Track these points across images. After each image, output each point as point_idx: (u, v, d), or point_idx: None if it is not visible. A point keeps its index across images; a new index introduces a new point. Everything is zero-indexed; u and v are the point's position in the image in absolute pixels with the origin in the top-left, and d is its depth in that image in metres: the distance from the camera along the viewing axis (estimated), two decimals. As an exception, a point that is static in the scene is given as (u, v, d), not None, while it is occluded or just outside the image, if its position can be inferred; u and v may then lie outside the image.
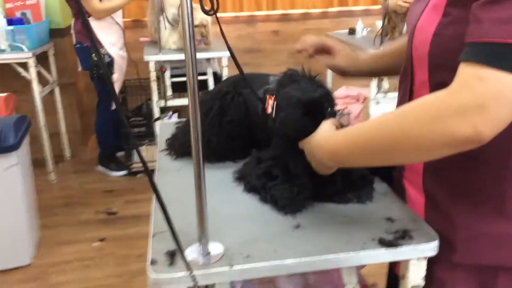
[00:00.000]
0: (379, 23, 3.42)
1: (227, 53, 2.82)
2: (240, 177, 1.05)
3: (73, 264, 2.31)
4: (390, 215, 0.87)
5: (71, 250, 2.42)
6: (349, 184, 0.92)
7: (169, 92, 2.80)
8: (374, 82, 2.75)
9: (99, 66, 2.89)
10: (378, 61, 1.10)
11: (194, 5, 2.68)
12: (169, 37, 2.87)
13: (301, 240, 0.81)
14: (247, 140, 1.19)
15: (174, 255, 0.78)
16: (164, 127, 1.46)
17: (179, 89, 3.00)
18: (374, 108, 2.76)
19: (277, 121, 0.91)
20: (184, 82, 3.01)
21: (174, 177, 1.09)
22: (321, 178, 0.92)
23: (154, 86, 2.76)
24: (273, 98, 0.95)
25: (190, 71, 0.72)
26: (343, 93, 3.29)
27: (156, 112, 2.80)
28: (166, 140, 1.29)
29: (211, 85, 2.86)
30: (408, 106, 0.69)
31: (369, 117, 2.75)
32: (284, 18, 4.22)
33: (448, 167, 0.78)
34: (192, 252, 0.79)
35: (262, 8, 4.13)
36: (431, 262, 0.80)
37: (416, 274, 0.80)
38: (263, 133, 1.14)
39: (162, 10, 2.77)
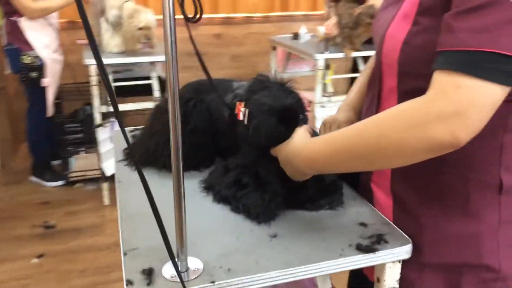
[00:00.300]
0: (321, 28, 3.51)
1: (163, 57, 2.77)
2: (208, 187, 1.02)
3: (9, 284, 2.14)
4: (362, 220, 0.89)
5: (6, 269, 2.25)
6: (321, 190, 0.93)
7: (111, 97, 2.69)
8: (319, 86, 2.81)
9: (29, 69, 2.72)
10: (362, 100, 1.08)
11: (137, 6, 2.61)
12: (111, 40, 2.75)
13: (280, 250, 0.80)
14: (211, 148, 1.17)
15: (151, 273, 0.74)
16: (118, 136, 1.40)
17: (121, 93, 2.89)
18: (320, 112, 2.82)
19: (250, 128, 0.90)
20: (127, 87, 2.89)
21: (137, 189, 1.04)
22: (293, 185, 0.92)
23: (95, 91, 2.63)
24: (243, 104, 0.93)
25: (171, 77, 0.68)
26: (287, 97, 3.34)
27: (98, 118, 2.68)
28: (124, 150, 1.23)
29: (156, 89, 2.78)
30: (388, 113, 0.71)
31: (315, 120, 2.81)
32: (227, 21, 4.21)
33: (416, 170, 0.79)
34: (169, 270, 0.75)
35: (204, 11, 4.07)
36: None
37: (391, 277, 0.82)
38: (228, 140, 1.13)
39: (102, 11, 2.65)
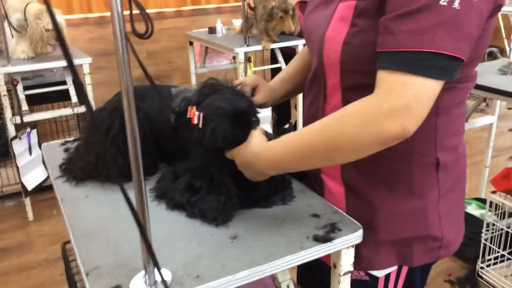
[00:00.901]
0: (235, 21, 3.54)
1: (88, 60, 2.66)
2: (160, 195, 1.02)
3: None
4: (314, 211, 0.94)
5: None
6: (272, 188, 0.97)
7: (25, 106, 2.52)
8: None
9: None
10: (288, 85, 1.17)
11: (43, 7, 2.48)
12: (17, 46, 2.57)
13: (244, 250, 0.83)
14: (154, 156, 1.16)
15: (120, 291, 0.74)
16: (48, 150, 1.33)
17: (33, 102, 2.72)
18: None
19: (206, 132, 0.91)
20: (39, 94, 2.71)
21: (84, 206, 1.01)
22: (246, 185, 0.95)
23: (5, 101, 2.45)
24: (195, 108, 0.94)
25: (125, 80, 0.67)
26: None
27: (12, 130, 2.50)
28: (60, 166, 1.18)
29: (73, 94, 2.65)
30: (343, 113, 0.77)
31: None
32: (138, 18, 4.07)
33: (364, 158, 0.86)
34: (137, 284, 0.75)
35: (112, 8, 3.92)
36: (358, 245, 0.89)
37: (347, 261, 0.89)
38: (172, 145, 1.12)
39: (4, 16, 2.46)
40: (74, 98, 2.66)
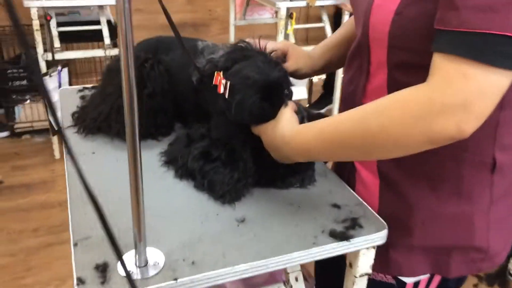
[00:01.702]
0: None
1: (112, 0, 2.55)
2: (170, 160, 0.93)
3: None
4: (335, 201, 0.83)
5: None
6: (292, 167, 0.86)
7: (57, 43, 2.46)
8: (280, 37, 2.69)
9: None
10: (330, 54, 1.02)
11: None
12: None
13: (249, 238, 0.74)
14: (170, 114, 1.07)
15: (106, 269, 0.66)
16: (65, 96, 1.27)
17: (67, 39, 2.66)
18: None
19: (232, 104, 0.80)
20: (73, 32, 2.64)
21: (87, 162, 0.94)
22: (263, 162, 0.85)
23: (37, 36, 2.40)
24: (221, 74, 0.83)
25: (123, 28, 0.57)
26: (248, 46, 3.19)
27: (43, 67, 2.46)
28: (72, 114, 1.11)
29: (106, 35, 2.57)
30: (387, 103, 0.65)
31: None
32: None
33: None
34: (127, 264, 0.68)
35: None
36: (386, 246, 0.78)
37: (365, 262, 0.79)
38: (191, 105, 1.03)
39: None
40: (107, 40, 2.58)
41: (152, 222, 0.76)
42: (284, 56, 1.01)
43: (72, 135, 1.05)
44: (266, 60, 0.84)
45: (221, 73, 0.85)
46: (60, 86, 2.53)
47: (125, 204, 0.80)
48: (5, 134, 2.92)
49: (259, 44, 0.90)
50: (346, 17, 2.88)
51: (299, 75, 1.02)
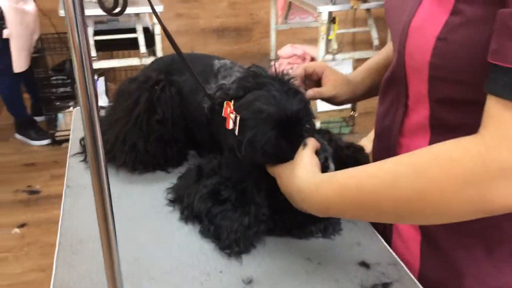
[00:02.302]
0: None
1: (159, 8, 2.50)
2: (176, 199, 0.83)
3: (-14, 258, 2.02)
4: (363, 257, 0.70)
5: (-16, 240, 2.12)
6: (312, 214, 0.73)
7: (93, 52, 2.44)
8: (322, 43, 2.54)
9: None
10: (369, 79, 0.88)
11: None
12: (90, -13, 2.46)
13: (255, 307, 0.61)
14: (182, 143, 0.96)
15: None
16: (78, 117, 1.19)
17: (104, 48, 2.63)
18: (322, 71, 2.57)
19: (243, 142, 0.68)
20: (111, 40, 2.59)
21: (86, 197, 0.85)
22: (278, 206, 0.72)
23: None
24: (232, 105, 0.71)
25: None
26: (289, 52, 3.06)
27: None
28: (80, 140, 1.03)
29: (141, 44, 2.52)
30: (427, 162, 0.51)
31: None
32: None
33: None
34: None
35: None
36: None
37: (397, 338, 0.64)
38: (203, 132, 0.92)
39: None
40: (143, 48, 2.53)
41: (144, 280, 0.65)
42: (319, 79, 0.88)
43: (77, 164, 0.96)
44: (283, 88, 0.71)
45: (232, 103, 0.73)
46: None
47: (135, 241, 0.71)
48: (46, 142, 2.95)
49: (276, 69, 0.77)
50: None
51: (336, 102, 0.88)
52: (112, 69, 3.10)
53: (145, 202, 0.83)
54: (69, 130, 3.01)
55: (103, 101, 2.55)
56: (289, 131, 0.68)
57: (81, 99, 0.46)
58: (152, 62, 1.08)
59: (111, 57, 2.92)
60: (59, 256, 0.71)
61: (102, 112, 1.09)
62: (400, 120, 0.68)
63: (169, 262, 0.69)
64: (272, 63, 3.18)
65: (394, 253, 0.70)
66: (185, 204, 0.80)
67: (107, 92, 2.60)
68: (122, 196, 0.85)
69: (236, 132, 0.70)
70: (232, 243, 0.71)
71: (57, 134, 2.97)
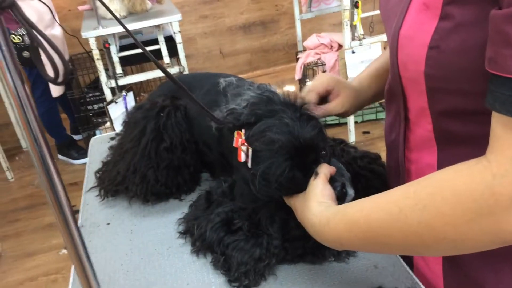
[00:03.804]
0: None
1: (177, 17, 2.49)
2: (187, 230, 0.81)
3: (38, 281, 2.10)
4: (381, 282, 0.65)
5: (35, 263, 2.20)
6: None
7: (118, 69, 2.47)
8: (347, 29, 2.44)
9: (20, 49, 2.52)
10: (375, 85, 0.82)
11: None
12: (110, 4, 2.49)
13: None
14: (194, 168, 0.94)
15: None
16: (95, 145, 1.20)
17: (129, 62, 2.67)
18: (351, 58, 2.48)
19: (256, 175, 0.65)
20: (135, 54, 2.59)
21: (100, 236, 0.85)
22: (291, 234, 0.69)
23: (99, 65, 2.42)
24: (242, 134, 0.68)
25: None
26: (315, 42, 2.98)
27: (108, 94, 2.49)
28: (95, 173, 1.03)
29: (165, 54, 2.52)
30: (430, 194, 0.46)
31: (346, 68, 2.47)
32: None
33: None
34: None
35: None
36: None
37: None
38: (214, 153, 0.90)
39: (94, -26, 2.37)
40: (166, 59, 2.53)
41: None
42: (327, 95, 0.83)
43: (92, 200, 0.96)
44: (296, 115, 0.67)
45: (243, 132, 0.70)
46: (127, 111, 2.55)
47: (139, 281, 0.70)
48: (86, 160, 3.03)
49: (288, 94, 0.73)
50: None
51: (345, 116, 0.83)
52: (139, 84, 3.14)
53: (157, 238, 0.82)
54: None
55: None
56: (304, 160, 0.65)
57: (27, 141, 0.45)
58: (159, 87, 1.07)
59: (142, 70, 2.96)
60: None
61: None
62: (403, 134, 0.63)
63: (178, 302, 0.67)
64: (298, 55, 3.10)
65: (414, 275, 0.65)
66: (196, 235, 0.78)
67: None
68: (134, 232, 0.84)
69: (249, 165, 0.67)
70: (241, 276, 0.68)
71: (97, 150, 3.05)
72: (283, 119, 0.67)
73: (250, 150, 0.65)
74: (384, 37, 2.68)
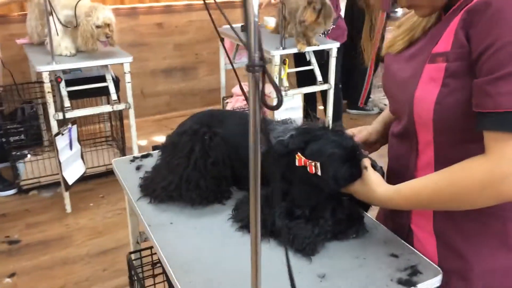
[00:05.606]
0: (267, 18, 3.56)
1: (129, 59, 2.70)
2: (246, 224, 1.08)
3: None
4: (392, 251, 1.00)
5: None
6: (349, 222, 1.04)
7: (67, 103, 2.57)
8: (275, 81, 2.88)
9: None
10: (385, 127, 1.19)
11: (94, 4, 2.57)
12: (61, 41, 2.62)
13: (335, 292, 0.89)
14: (229, 180, 1.22)
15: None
16: (120, 166, 1.39)
17: (74, 96, 2.77)
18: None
19: (328, 179, 0.97)
20: (80, 90, 2.72)
21: (171, 233, 1.07)
22: (337, 217, 1.03)
23: (49, 98, 2.50)
24: (300, 154, 1.00)
25: None
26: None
27: (54, 126, 2.55)
28: (140, 186, 1.24)
29: (112, 91, 2.70)
30: (457, 175, 0.83)
31: (274, 114, 2.89)
32: (167, 10, 4.11)
33: (458, 212, 0.91)
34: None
35: (144, 0, 3.96)
36: None
37: (429, 303, 0.95)
38: (246, 170, 1.18)
39: (50, 12, 2.49)
40: (114, 95, 2.71)
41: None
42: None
43: (144, 205, 1.18)
44: (335, 134, 1.03)
45: (299, 153, 1.01)
46: (71, 142, 2.63)
47: (224, 269, 0.94)
48: (12, 191, 2.97)
49: (323, 121, 1.08)
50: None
51: (375, 147, 1.21)
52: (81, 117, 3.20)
53: (219, 233, 1.07)
54: (34, 178, 3.07)
55: (76, 147, 2.67)
56: (353, 160, 0.99)
57: None
58: (191, 117, 1.32)
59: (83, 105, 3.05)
60: (177, 277, 0.93)
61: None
62: (414, 161, 0.98)
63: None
64: (226, 100, 3.47)
65: (411, 247, 1.01)
66: (268, 225, 1.03)
67: (78, 138, 2.71)
68: (198, 228, 1.08)
69: (319, 173, 0.97)
70: (305, 247, 0.98)
71: (22, 183, 3.00)
72: (330, 138, 1.01)
73: (318, 164, 0.98)
74: (302, 91, 3.18)
